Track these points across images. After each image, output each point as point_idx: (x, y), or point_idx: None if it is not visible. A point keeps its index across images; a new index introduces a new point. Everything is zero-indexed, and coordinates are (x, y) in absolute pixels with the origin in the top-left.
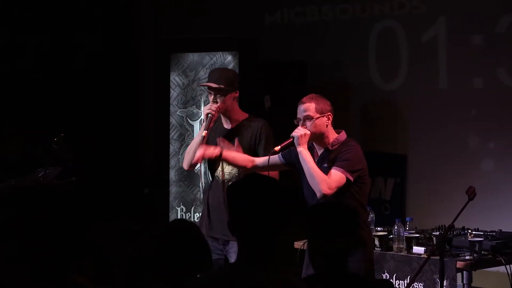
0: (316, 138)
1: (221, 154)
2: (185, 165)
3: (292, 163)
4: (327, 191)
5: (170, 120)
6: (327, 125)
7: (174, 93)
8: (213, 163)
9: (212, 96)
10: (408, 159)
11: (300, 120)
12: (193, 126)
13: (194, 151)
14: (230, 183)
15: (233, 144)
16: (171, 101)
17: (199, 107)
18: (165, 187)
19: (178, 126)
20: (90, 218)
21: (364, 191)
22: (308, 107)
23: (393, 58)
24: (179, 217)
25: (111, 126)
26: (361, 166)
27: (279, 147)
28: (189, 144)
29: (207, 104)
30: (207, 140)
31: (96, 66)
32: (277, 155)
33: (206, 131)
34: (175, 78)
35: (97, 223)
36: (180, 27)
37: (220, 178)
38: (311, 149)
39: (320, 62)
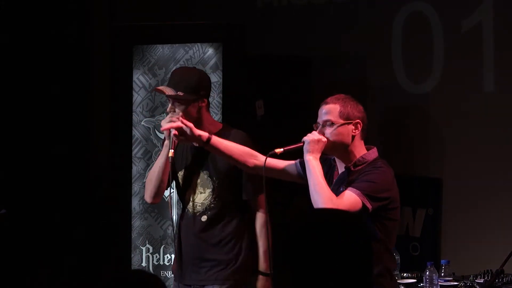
0: (336, 151)
1: (209, 139)
2: (148, 197)
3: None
4: None
5: (133, 133)
6: (353, 137)
7: (138, 97)
8: (184, 189)
9: (169, 106)
10: (444, 184)
11: (319, 125)
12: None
13: (157, 178)
14: (204, 217)
15: (205, 170)
16: (133, 108)
17: None
18: (126, 221)
19: (144, 141)
20: (24, 263)
21: (391, 231)
22: (330, 109)
23: (424, 52)
24: (144, 259)
25: (54, 140)
26: (388, 195)
27: (282, 149)
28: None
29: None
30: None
31: (32, 61)
32: (293, 162)
33: (173, 150)
34: (139, 78)
35: (34, 270)
36: (146, 10)
37: (191, 210)
38: (332, 167)
39: (329, 57)
